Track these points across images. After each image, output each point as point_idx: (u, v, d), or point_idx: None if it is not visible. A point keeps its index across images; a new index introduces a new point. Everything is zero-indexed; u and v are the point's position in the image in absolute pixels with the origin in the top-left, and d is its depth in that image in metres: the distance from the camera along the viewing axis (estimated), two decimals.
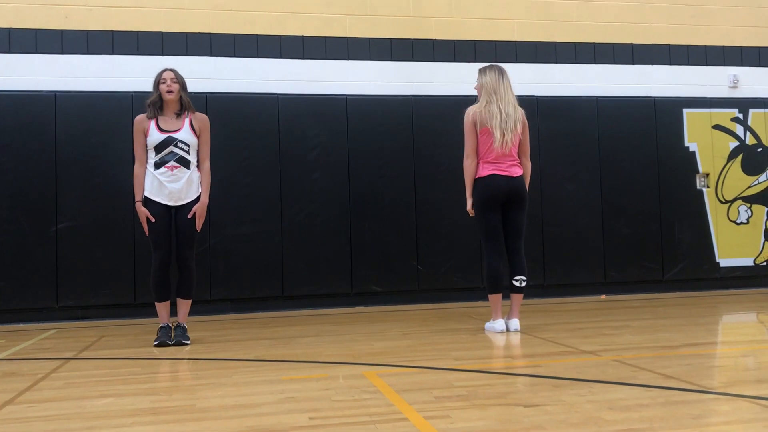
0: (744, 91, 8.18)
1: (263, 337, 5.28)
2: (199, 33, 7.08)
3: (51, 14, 6.81)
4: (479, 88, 5.21)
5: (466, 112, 5.17)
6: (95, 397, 3.33)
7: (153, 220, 4.81)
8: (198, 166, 4.96)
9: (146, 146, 4.87)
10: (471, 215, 5.25)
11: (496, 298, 5.11)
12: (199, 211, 4.92)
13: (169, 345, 4.82)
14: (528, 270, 5.22)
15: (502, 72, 5.18)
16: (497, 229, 5.13)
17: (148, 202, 4.86)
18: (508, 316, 5.17)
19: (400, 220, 7.21)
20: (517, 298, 5.14)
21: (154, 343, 4.83)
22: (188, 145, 4.88)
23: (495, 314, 5.11)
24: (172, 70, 4.98)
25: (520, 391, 3.21)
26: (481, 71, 5.24)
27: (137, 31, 6.96)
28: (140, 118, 4.94)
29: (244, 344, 4.91)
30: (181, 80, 4.97)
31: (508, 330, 5.09)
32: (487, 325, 5.17)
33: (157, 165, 4.83)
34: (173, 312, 5.08)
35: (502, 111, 5.05)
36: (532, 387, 3.30)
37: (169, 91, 4.88)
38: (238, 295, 6.87)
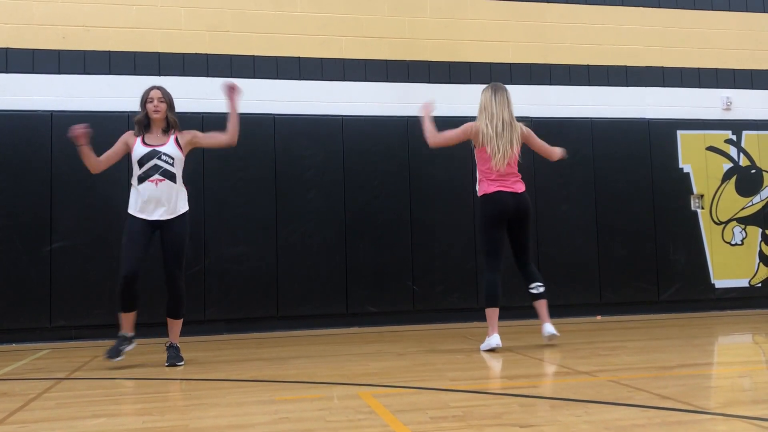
0: (737, 113, 8.24)
1: (257, 357, 5.25)
2: (196, 54, 7.11)
3: (48, 34, 6.84)
4: (479, 107, 5.35)
5: (467, 123, 5.33)
6: (87, 417, 3.30)
7: (82, 142, 4.71)
8: (182, 182, 4.92)
9: (131, 161, 4.84)
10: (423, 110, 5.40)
11: (492, 313, 5.12)
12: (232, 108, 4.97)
13: (115, 358, 4.75)
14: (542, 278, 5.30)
15: (496, 90, 5.29)
16: (499, 246, 5.20)
17: (130, 218, 4.80)
18: (541, 324, 5.23)
19: (395, 241, 7.21)
20: (541, 304, 5.23)
21: (105, 356, 4.77)
22: (173, 158, 4.85)
23: (491, 329, 5.09)
24: (159, 88, 4.97)
25: (516, 412, 3.19)
26: (482, 91, 5.39)
27: (134, 52, 6.99)
28: (129, 132, 4.96)
29: (238, 365, 4.88)
30: (169, 99, 4.96)
31: (544, 335, 5.16)
32: (483, 345, 5.14)
33: (141, 179, 4.79)
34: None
35: (494, 130, 5.15)
36: (528, 408, 3.28)
37: (156, 111, 4.87)
38: (233, 315, 6.83)
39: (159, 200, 4.79)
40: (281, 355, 5.30)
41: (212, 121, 6.82)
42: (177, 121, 4.99)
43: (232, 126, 5.00)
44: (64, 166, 6.56)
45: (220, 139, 5.04)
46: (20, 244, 6.46)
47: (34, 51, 6.80)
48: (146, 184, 4.78)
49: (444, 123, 7.34)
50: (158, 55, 7.03)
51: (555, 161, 5.59)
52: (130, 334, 4.91)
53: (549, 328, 5.18)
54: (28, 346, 6.26)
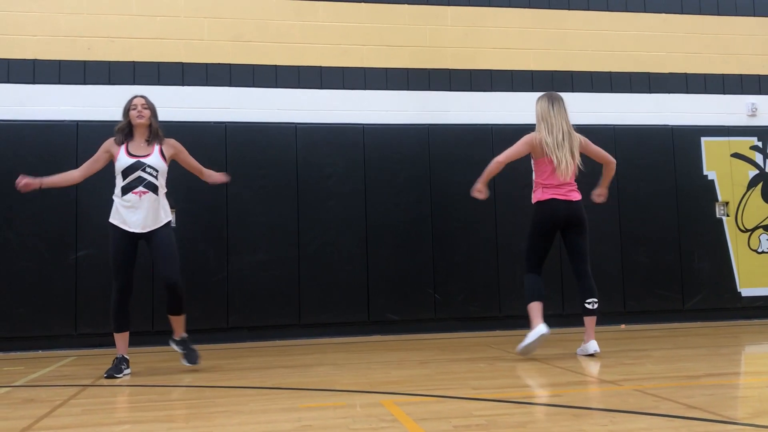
0: (763, 120, 8.15)
1: (280, 365, 5.26)
2: (219, 63, 7.18)
3: (74, 46, 6.95)
4: (536, 117, 5.31)
5: (527, 135, 5.27)
6: (113, 424, 3.33)
7: (36, 185, 4.79)
8: (164, 193, 4.93)
9: (114, 171, 4.85)
10: (477, 194, 5.23)
11: (536, 306, 5.08)
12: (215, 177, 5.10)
13: (116, 377, 4.70)
14: (598, 293, 5.26)
15: (553, 100, 5.27)
16: (543, 255, 5.23)
17: (115, 228, 4.80)
18: (585, 340, 5.19)
19: (416, 249, 7.20)
20: (590, 320, 5.19)
21: (104, 375, 4.72)
22: (157, 171, 4.84)
23: (535, 320, 5.05)
24: (143, 96, 5.00)
25: (540, 421, 3.16)
26: (537, 100, 5.35)
27: (158, 62, 7.07)
28: (110, 141, 4.94)
29: (261, 372, 4.90)
30: (152, 107, 4.96)
31: (587, 352, 5.11)
32: (526, 338, 5.05)
33: (125, 190, 4.78)
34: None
35: (554, 140, 5.15)
36: (552, 417, 3.25)
37: (140, 117, 4.86)
38: (255, 323, 6.87)
39: (141, 212, 4.77)
40: (304, 362, 5.31)
41: (235, 131, 6.91)
42: (159, 130, 4.97)
43: (212, 177, 5.17)
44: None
45: (198, 170, 5.11)
46: (46, 253, 6.55)
47: (60, 62, 6.91)
48: (130, 195, 4.77)
49: (464, 130, 7.38)
50: (182, 65, 7.11)
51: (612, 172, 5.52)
52: (127, 356, 4.93)
53: (594, 345, 5.11)
54: (55, 353, 6.33)
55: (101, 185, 6.61)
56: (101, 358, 5.88)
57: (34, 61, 6.87)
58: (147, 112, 4.90)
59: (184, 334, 5.01)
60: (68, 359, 5.90)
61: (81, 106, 6.88)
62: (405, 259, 7.17)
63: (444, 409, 3.47)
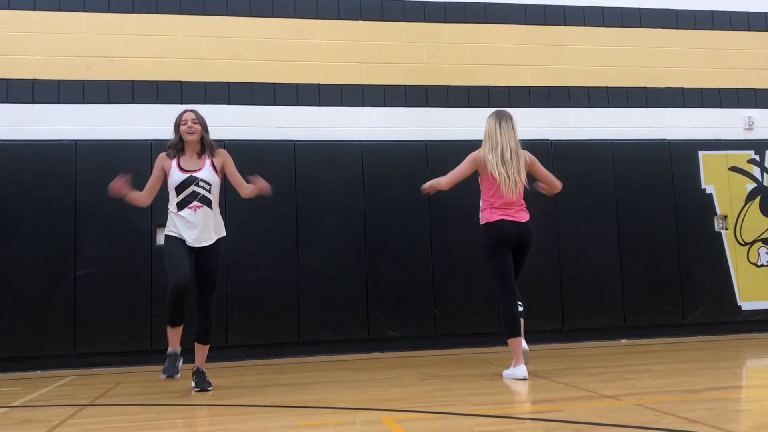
0: (760, 133, 8.17)
1: (279, 382, 5.24)
2: (218, 82, 7.22)
3: (73, 65, 6.98)
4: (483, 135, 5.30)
5: (472, 153, 5.27)
6: None
7: (125, 192, 4.76)
8: (218, 206, 4.95)
9: (167, 186, 4.85)
10: (425, 190, 5.36)
11: (515, 342, 5.00)
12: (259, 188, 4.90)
13: (175, 375, 4.79)
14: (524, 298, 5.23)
15: (501, 117, 5.23)
16: (508, 272, 5.13)
17: (170, 237, 4.81)
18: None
19: (415, 265, 7.19)
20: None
21: (163, 376, 4.79)
22: (210, 185, 4.83)
23: (516, 360, 4.97)
24: (193, 111, 4.97)
25: None
26: (487, 118, 5.32)
27: (157, 81, 7.10)
28: (163, 155, 4.94)
29: (261, 390, 4.88)
30: (203, 121, 4.95)
31: (526, 376, 4.95)
32: (506, 372, 5.04)
33: (180, 206, 4.79)
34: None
35: (498, 157, 5.10)
36: None
37: (190, 132, 4.85)
38: (254, 341, 6.84)
39: (197, 227, 4.77)
40: (303, 380, 5.29)
41: (234, 148, 6.88)
42: (213, 144, 4.98)
43: (253, 190, 4.95)
44: (88, 194, 6.64)
45: (241, 185, 4.99)
46: (45, 272, 6.54)
47: (59, 82, 6.94)
48: (185, 211, 4.77)
49: (462, 146, 7.36)
50: (180, 84, 7.14)
51: (560, 193, 5.52)
52: (179, 349, 4.93)
53: (523, 343, 5.02)
54: (53, 372, 6.30)
55: (100, 205, 6.65)
56: (100, 378, 5.87)
57: (33, 81, 6.90)
58: (197, 127, 4.88)
59: (203, 368, 4.96)
60: (66, 379, 5.87)
61: (80, 126, 6.90)
62: (404, 275, 7.16)
63: (444, 425, 3.46)
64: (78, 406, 4.41)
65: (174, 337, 4.91)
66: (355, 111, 7.47)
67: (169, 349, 4.91)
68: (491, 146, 5.16)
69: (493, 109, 5.44)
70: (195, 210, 4.77)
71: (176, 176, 4.81)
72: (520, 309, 5.12)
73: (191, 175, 4.81)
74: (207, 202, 4.82)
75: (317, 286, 6.98)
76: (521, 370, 4.91)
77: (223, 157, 4.98)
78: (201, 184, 4.81)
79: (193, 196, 4.78)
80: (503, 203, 5.11)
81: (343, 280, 7.04)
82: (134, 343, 6.61)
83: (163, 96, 7.08)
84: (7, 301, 6.44)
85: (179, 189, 4.79)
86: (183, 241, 4.79)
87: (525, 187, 5.21)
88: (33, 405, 4.60)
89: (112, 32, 7.10)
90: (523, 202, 5.20)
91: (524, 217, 5.15)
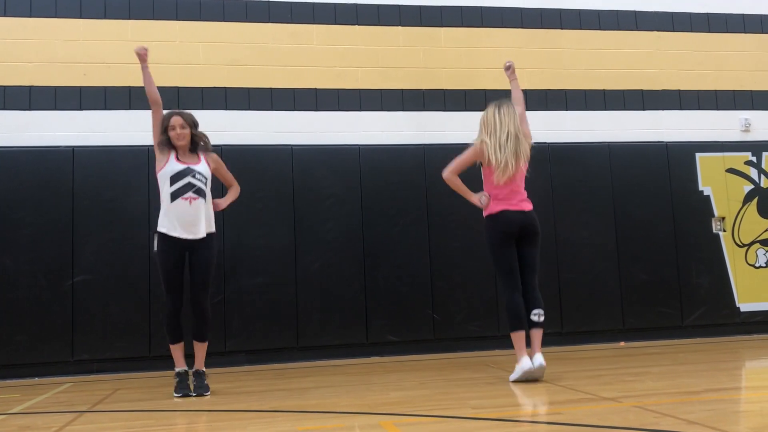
0: (756, 135, 8.19)
1: (278, 388, 5.23)
2: (215, 87, 7.22)
3: (70, 72, 6.98)
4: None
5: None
6: None
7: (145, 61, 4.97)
8: (212, 198, 5.00)
9: (159, 178, 4.87)
10: (481, 203, 5.12)
11: (518, 336, 4.90)
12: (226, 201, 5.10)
13: (191, 396, 4.77)
14: (545, 305, 5.06)
15: (500, 104, 5.15)
16: (513, 264, 5.02)
17: (163, 239, 4.81)
18: (530, 354, 4.88)
19: (414, 269, 7.19)
20: (537, 333, 4.95)
21: (176, 395, 4.78)
22: (205, 178, 4.90)
23: (519, 353, 4.88)
24: (179, 114, 4.94)
25: None
26: (486, 108, 5.24)
27: None
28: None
29: (260, 395, 4.87)
30: (191, 122, 4.93)
31: (533, 365, 4.78)
32: (512, 376, 4.91)
33: (174, 196, 4.79)
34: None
35: (496, 141, 5.00)
36: None
37: (179, 138, 4.86)
38: (253, 346, 6.83)
39: (191, 219, 4.79)
40: (302, 385, 5.28)
41: (231, 154, 6.91)
42: (206, 138, 4.99)
43: (231, 195, 5.23)
44: (85, 200, 6.64)
45: (230, 183, 5.23)
46: (42, 279, 6.53)
47: (56, 88, 6.94)
48: (179, 201, 4.78)
49: (460, 149, 7.35)
50: (177, 90, 7.13)
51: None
52: (185, 368, 4.93)
53: (540, 358, 4.82)
54: (51, 379, 6.29)
55: (97, 211, 6.64)
56: (98, 384, 5.85)
57: (30, 87, 6.89)
58: (186, 132, 4.88)
59: (203, 369, 4.96)
60: (65, 386, 5.85)
61: (77, 132, 6.89)
62: (403, 279, 7.15)
63: (444, 429, 3.45)
64: (77, 413, 4.40)
65: (178, 354, 4.92)
66: (353, 115, 7.47)
67: (177, 369, 4.92)
68: (489, 130, 5.07)
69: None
70: (190, 201, 4.79)
71: (174, 165, 4.85)
72: (541, 319, 4.93)
73: (189, 167, 4.86)
74: (202, 194, 4.86)
75: (316, 291, 6.97)
76: (525, 362, 4.79)
77: (216, 162, 5.10)
78: (198, 176, 4.86)
79: (189, 186, 4.81)
80: (505, 194, 5.04)
81: (341, 284, 7.03)
82: (132, 350, 6.59)
83: None
84: (5, 308, 6.43)
85: (175, 178, 4.81)
86: (175, 242, 4.78)
87: (527, 175, 5.14)
88: (32, 412, 4.59)
89: (109, 38, 7.10)
90: (525, 192, 5.13)
91: (528, 206, 5.09)
